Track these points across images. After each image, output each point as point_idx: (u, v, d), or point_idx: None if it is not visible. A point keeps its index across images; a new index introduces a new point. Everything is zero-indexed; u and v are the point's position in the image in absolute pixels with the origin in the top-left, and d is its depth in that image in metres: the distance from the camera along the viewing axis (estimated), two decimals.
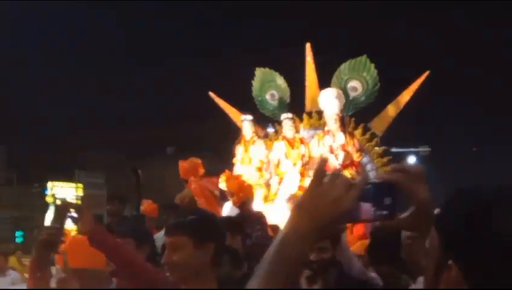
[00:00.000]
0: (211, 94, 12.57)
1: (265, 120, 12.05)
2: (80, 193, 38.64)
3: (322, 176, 1.29)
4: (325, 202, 1.26)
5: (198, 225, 2.62)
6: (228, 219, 6.33)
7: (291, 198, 9.79)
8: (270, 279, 1.25)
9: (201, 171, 8.74)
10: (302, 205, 1.29)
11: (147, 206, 8.19)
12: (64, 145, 36.94)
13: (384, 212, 1.32)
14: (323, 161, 1.35)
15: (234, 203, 7.70)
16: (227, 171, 9.35)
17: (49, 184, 38.48)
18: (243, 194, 7.55)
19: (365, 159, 11.02)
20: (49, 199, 36.28)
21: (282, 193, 9.98)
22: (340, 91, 10.89)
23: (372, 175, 10.07)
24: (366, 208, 1.30)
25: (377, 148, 11.28)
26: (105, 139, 36.97)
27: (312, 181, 1.30)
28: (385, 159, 11.26)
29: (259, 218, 7.28)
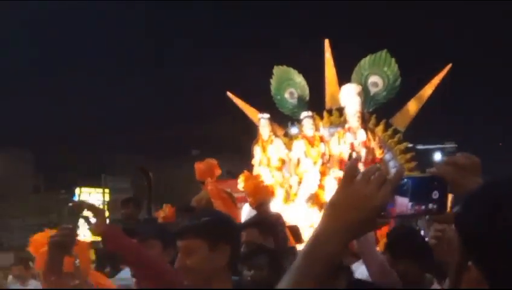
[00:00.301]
0: (229, 94, 12.45)
1: (284, 119, 11.86)
2: (107, 198, 38.89)
3: (353, 174, 1.26)
4: (357, 199, 1.24)
5: (213, 227, 2.48)
6: (259, 219, 6.13)
7: (312, 198, 9.58)
8: (300, 279, 1.25)
9: (218, 172, 8.54)
10: (334, 204, 1.27)
11: (167, 211, 7.94)
12: (91, 150, 37.20)
13: (430, 206, 1.28)
14: (356, 160, 1.34)
15: (251, 205, 7.49)
16: (246, 171, 9.15)
17: (77, 190, 38.82)
18: (259, 195, 7.33)
19: (388, 156, 10.77)
20: None
21: (302, 193, 9.76)
22: (361, 87, 10.68)
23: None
24: (402, 202, 1.26)
25: (399, 145, 11.03)
26: (132, 143, 37.15)
27: (343, 179, 1.27)
28: (408, 156, 11.01)
29: (277, 219, 7.06)
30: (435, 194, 1.27)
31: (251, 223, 5.51)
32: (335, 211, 1.25)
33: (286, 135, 11.55)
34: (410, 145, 12.03)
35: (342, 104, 10.55)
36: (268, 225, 5.26)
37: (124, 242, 2.74)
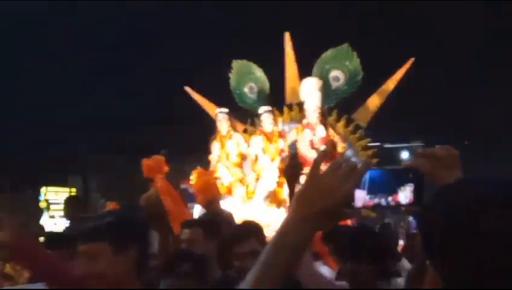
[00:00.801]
0: (187, 89, 12.09)
1: (244, 114, 11.53)
2: None
3: (319, 166, 1.28)
4: (324, 189, 1.24)
5: (117, 228, 2.27)
6: (206, 219, 5.80)
7: (270, 195, 9.24)
8: (267, 268, 1.24)
9: (166, 168, 8.23)
10: (301, 195, 1.27)
11: (112, 208, 7.66)
12: (58, 149, 36.64)
13: (404, 198, 1.25)
14: (324, 153, 1.36)
15: (200, 203, 7.13)
16: (198, 168, 8.79)
17: (43, 189, 38.34)
18: (208, 192, 6.96)
19: (349, 152, 10.52)
20: (42, 205, 36.13)
21: (260, 191, 9.40)
22: (322, 82, 10.38)
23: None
24: (361, 196, 1.25)
25: (361, 141, 10.82)
26: (100, 143, 36.66)
27: (311, 170, 1.28)
28: (370, 152, 10.77)
29: (227, 218, 6.70)
30: (410, 187, 1.25)
31: (196, 222, 5.22)
32: (302, 201, 1.26)
33: (246, 131, 11.21)
34: (377, 143, 11.85)
35: (302, 99, 10.24)
36: (214, 227, 4.90)
37: (30, 252, 2.52)
